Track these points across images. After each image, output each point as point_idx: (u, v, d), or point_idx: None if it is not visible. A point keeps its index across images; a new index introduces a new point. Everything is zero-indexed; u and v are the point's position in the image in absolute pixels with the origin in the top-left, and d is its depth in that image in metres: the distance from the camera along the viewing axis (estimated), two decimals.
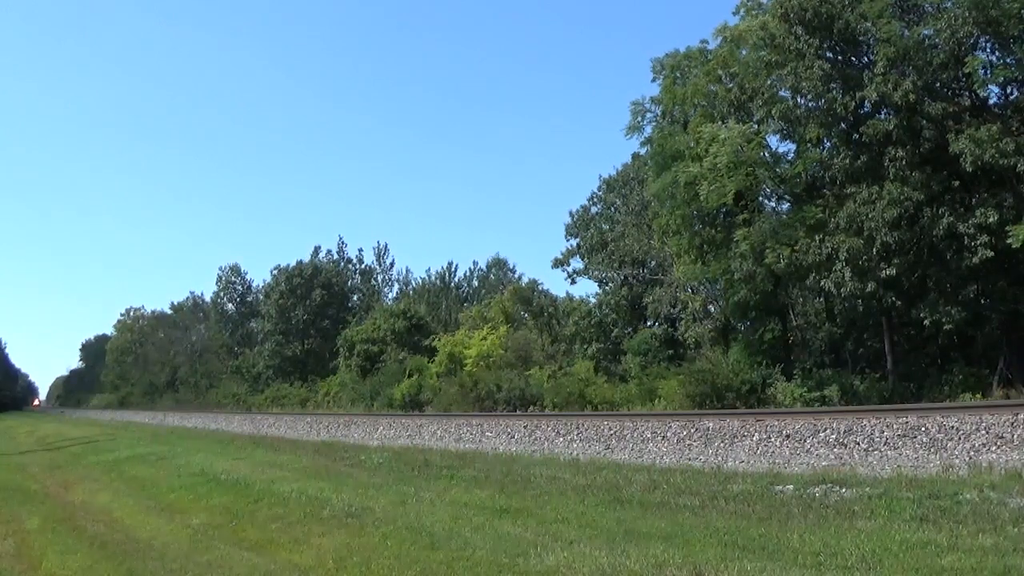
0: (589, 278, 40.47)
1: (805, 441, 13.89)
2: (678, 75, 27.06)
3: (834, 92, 20.47)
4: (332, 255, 64.89)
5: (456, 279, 62.26)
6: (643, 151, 31.51)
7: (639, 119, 29.32)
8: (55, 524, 11.52)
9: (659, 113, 28.60)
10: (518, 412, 26.43)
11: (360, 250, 67.30)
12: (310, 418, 32.38)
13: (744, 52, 23.28)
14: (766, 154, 23.10)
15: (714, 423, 15.94)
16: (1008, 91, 20.16)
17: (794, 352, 25.10)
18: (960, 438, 12.12)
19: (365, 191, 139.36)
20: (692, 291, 31.91)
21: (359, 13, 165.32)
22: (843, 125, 21.18)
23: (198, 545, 9.13)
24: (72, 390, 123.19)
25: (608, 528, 8.46)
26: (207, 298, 79.74)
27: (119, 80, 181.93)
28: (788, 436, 14.19)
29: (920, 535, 7.17)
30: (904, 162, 19.19)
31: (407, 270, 78.75)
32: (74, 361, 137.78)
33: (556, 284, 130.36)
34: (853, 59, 21.11)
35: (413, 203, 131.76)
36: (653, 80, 27.89)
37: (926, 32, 19.44)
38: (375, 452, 18.58)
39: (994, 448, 11.60)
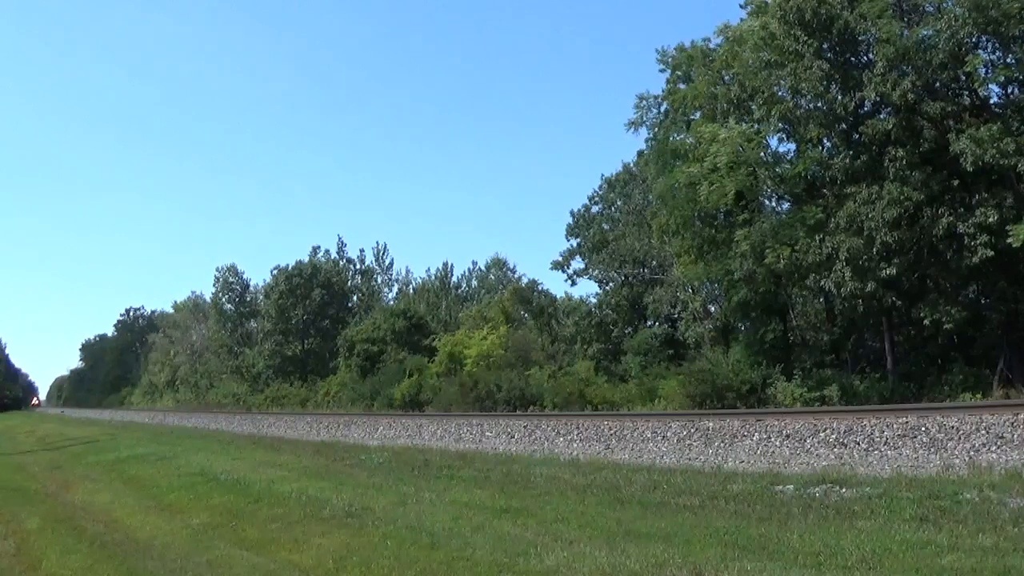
0: (589, 278, 40.54)
1: (805, 441, 13.90)
2: (680, 74, 27.13)
3: (833, 92, 20.48)
4: (331, 255, 64.89)
5: (454, 279, 62.25)
6: (646, 148, 31.69)
7: (642, 115, 29.48)
8: (55, 524, 11.51)
9: (662, 111, 28.72)
10: (518, 412, 26.42)
11: (361, 250, 67.33)
12: (310, 418, 32.40)
13: (745, 52, 23.28)
14: (766, 154, 23.11)
15: (714, 423, 15.95)
16: (1008, 91, 20.15)
17: (794, 352, 25.10)
18: (960, 438, 12.13)
19: (365, 191, 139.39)
20: (692, 291, 31.92)
21: (356, 13, 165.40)
22: (843, 125, 21.17)
23: (198, 545, 9.13)
24: (74, 390, 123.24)
25: (608, 528, 8.45)
26: (207, 298, 79.79)
27: (119, 81, 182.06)
28: (788, 436, 14.20)
29: (920, 535, 7.17)
30: (904, 162, 19.19)
31: (407, 270, 78.65)
32: (74, 361, 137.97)
33: (556, 284, 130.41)
34: (852, 59, 21.10)
35: (413, 203, 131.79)
36: (661, 71, 28.04)
37: (926, 32, 19.42)
38: (375, 452, 18.58)
39: (994, 448, 11.61)
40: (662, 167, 26.45)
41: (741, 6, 24.76)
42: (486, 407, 28.57)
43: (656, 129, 28.78)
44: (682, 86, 26.95)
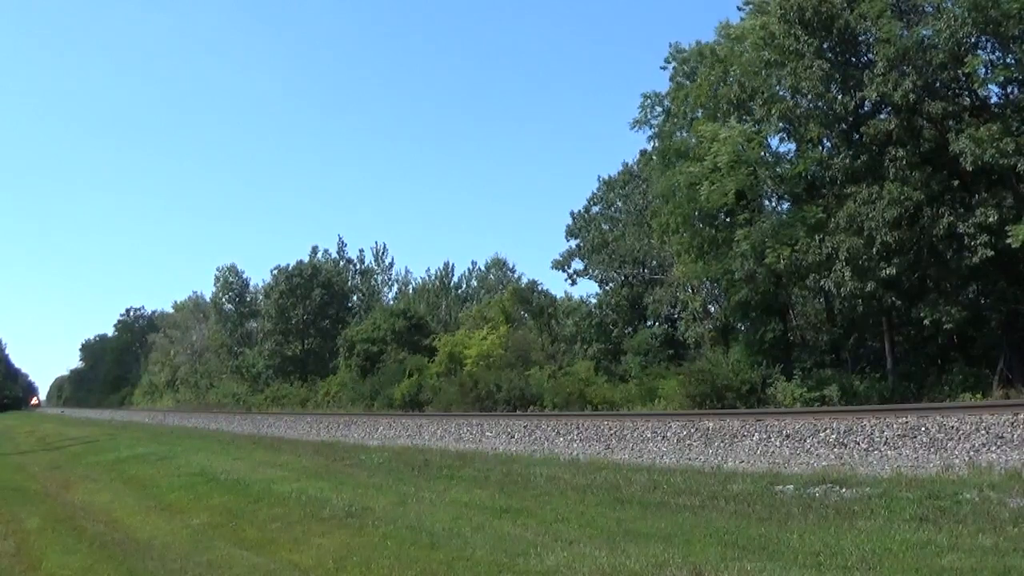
0: (590, 278, 40.54)
1: (805, 441, 13.90)
2: (686, 70, 27.23)
3: (834, 92, 20.48)
4: (331, 255, 64.85)
5: (455, 279, 62.22)
6: (649, 146, 31.94)
7: (646, 113, 29.56)
8: (55, 524, 11.51)
9: (666, 109, 28.82)
10: (518, 412, 26.42)
11: (361, 250, 67.31)
12: (310, 418, 32.40)
13: (745, 51, 23.28)
14: (766, 154, 23.11)
15: (714, 423, 15.94)
16: (1008, 91, 20.14)
17: (794, 352, 25.09)
18: (960, 438, 12.13)
19: (365, 191, 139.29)
20: (692, 291, 31.92)
21: (356, 13, 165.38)
22: (843, 125, 21.17)
23: (198, 545, 9.13)
24: (74, 390, 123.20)
25: (608, 528, 8.46)
26: (207, 298, 79.75)
27: (119, 81, 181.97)
28: (788, 436, 14.20)
29: (920, 535, 7.18)
30: (904, 162, 19.18)
31: (407, 270, 78.55)
32: (74, 361, 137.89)
33: (556, 284, 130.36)
34: (853, 59, 21.11)
35: (413, 203, 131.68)
36: (662, 68, 28.20)
37: (926, 32, 19.42)
38: (375, 452, 18.60)
39: (994, 448, 11.60)
40: (665, 166, 26.49)
41: (739, 8, 24.81)
42: (486, 407, 28.57)
43: (663, 127, 28.84)
44: (687, 83, 27.05)
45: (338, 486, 13.03)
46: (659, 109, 29.78)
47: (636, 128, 30.64)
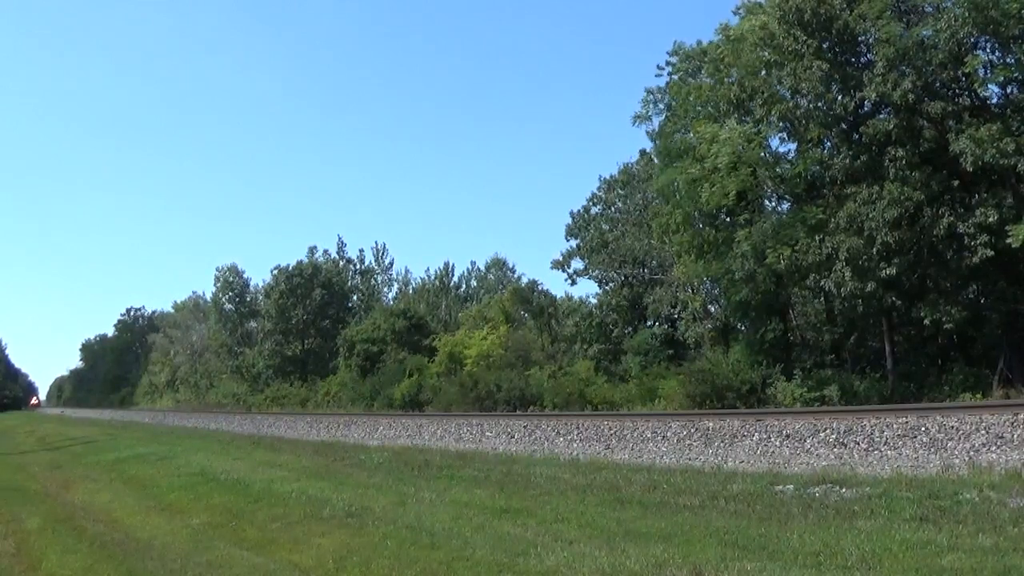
0: (589, 278, 40.54)
1: (805, 441, 13.90)
2: (689, 68, 27.28)
3: (834, 92, 20.49)
4: (331, 255, 64.83)
5: (454, 279, 62.22)
6: (650, 145, 32.11)
7: (648, 109, 29.62)
8: (55, 524, 11.52)
9: (667, 106, 28.91)
10: (518, 412, 26.42)
11: (360, 250, 67.32)
12: (310, 418, 32.40)
13: (745, 51, 23.28)
14: (766, 154, 23.11)
15: (714, 423, 15.94)
16: (1008, 91, 20.14)
17: (794, 352, 25.09)
18: (960, 438, 12.13)
19: (364, 191, 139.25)
20: (692, 291, 31.92)
21: (357, 12, 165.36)
22: (843, 125, 21.18)
23: (198, 545, 9.13)
24: (74, 390, 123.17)
25: (608, 528, 8.46)
26: (208, 298, 79.73)
27: (119, 81, 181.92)
28: (788, 436, 14.20)
29: (920, 535, 7.18)
30: (904, 162, 19.18)
31: (407, 270, 78.50)
32: (74, 361, 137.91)
33: (556, 284, 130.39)
34: (852, 59, 21.12)
35: (413, 203, 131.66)
36: (659, 73, 28.24)
37: (925, 32, 19.43)
38: (375, 452, 18.60)
39: (994, 448, 11.60)
40: (667, 163, 26.52)
41: (734, 11, 24.83)
42: (486, 407, 28.57)
43: (664, 125, 28.90)
44: (691, 80, 27.12)
45: (338, 486, 13.03)
46: (661, 105, 29.87)
47: (637, 124, 30.79)
